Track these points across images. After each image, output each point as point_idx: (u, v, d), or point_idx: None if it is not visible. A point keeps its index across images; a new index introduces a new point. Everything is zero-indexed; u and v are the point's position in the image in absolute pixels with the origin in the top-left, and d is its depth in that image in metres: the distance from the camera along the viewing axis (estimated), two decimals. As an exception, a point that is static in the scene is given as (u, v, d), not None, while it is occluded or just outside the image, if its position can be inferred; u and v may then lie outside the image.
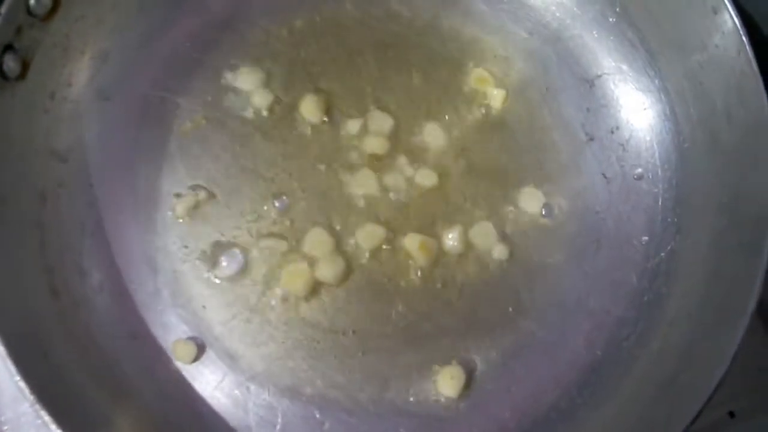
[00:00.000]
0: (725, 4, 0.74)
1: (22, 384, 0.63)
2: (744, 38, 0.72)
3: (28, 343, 0.67)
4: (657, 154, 0.83)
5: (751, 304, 0.66)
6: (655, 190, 0.83)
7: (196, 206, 0.80)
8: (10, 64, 0.72)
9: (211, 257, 0.79)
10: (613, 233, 0.82)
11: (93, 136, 0.81)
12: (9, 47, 0.72)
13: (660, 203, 0.82)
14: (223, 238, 0.80)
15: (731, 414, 0.82)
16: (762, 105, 0.71)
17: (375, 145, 0.83)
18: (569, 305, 0.80)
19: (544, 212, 0.82)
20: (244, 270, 0.79)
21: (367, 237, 0.80)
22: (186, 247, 0.79)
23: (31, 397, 0.63)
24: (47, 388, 0.64)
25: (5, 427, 0.77)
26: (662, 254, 0.80)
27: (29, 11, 0.73)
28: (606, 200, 0.83)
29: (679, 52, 0.81)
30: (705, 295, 0.74)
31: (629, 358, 0.76)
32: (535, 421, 0.76)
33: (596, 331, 0.79)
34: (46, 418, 0.62)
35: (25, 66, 0.74)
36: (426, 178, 0.82)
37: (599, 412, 0.74)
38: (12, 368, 0.63)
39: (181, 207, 0.80)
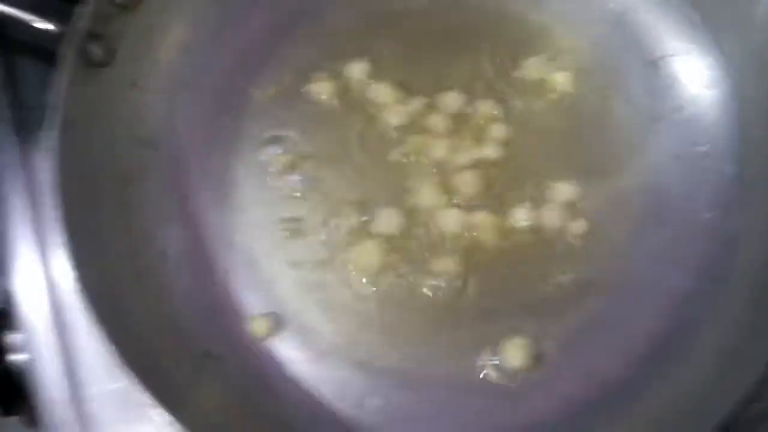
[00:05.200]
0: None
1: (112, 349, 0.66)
2: (806, 12, 0.73)
3: (115, 319, 0.69)
4: (721, 132, 0.84)
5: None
6: (720, 167, 0.83)
7: (273, 186, 0.84)
8: (98, 51, 0.77)
9: (285, 237, 0.82)
10: (678, 210, 0.82)
11: (172, 123, 0.85)
12: (96, 35, 0.76)
13: (724, 180, 0.82)
14: (296, 218, 0.82)
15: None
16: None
17: (443, 125, 0.84)
18: (636, 282, 0.80)
19: (611, 192, 0.83)
20: (317, 248, 0.81)
21: (437, 216, 0.81)
22: (261, 227, 0.82)
23: (120, 362, 0.65)
24: (134, 359, 0.67)
25: (93, 402, 0.80)
26: (727, 229, 0.80)
27: (114, 2, 0.78)
28: (672, 178, 0.83)
29: (740, 30, 0.82)
30: (766, 267, 0.74)
31: (695, 331, 0.76)
32: (602, 395, 0.76)
33: (663, 306, 0.79)
34: (133, 380, 0.65)
35: (110, 54, 0.79)
36: (494, 153, 0.83)
37: (666, 386, 0.74)
38: (101, 335, 0.66)
39: (255, 188, 0.83)
